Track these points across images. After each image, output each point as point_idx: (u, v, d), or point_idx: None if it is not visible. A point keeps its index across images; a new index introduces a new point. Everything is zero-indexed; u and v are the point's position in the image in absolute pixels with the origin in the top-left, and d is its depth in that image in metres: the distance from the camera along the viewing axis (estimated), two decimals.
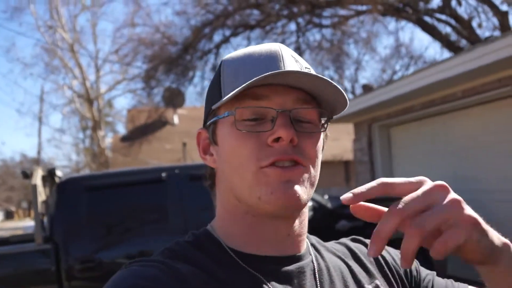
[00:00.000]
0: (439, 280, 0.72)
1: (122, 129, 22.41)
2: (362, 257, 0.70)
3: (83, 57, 25.03)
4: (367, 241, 0.75)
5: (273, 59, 0.61)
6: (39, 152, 21.92)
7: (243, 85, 0.56)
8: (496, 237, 0.52)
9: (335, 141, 14.92)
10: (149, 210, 3.85)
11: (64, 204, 3.68)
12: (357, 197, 0.49)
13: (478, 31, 8.14)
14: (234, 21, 9.61)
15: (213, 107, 0.62)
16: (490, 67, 4.21)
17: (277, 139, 0.58)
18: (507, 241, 0.53)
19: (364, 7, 8.57)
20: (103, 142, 17.62)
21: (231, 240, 0.63)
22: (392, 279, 0.69)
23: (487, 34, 8.50)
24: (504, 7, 7.74)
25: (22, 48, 49.98)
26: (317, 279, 0.63)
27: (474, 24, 8.05)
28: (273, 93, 0.59)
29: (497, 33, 8.00)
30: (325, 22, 9.70)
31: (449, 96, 5.18)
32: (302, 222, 0.64)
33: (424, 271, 0.73)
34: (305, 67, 0.63)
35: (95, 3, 18.33)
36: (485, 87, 4.69)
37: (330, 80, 0.58)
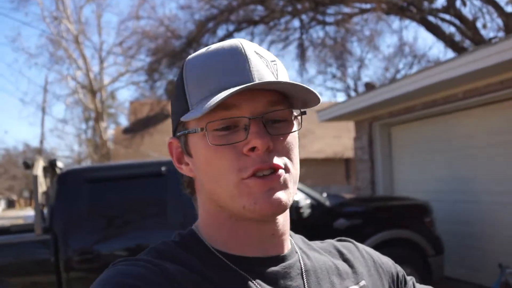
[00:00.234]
0: (419, 286, 0.74)
1: (124, 121, 22.48)
2: (349, 257, 0.70)
3: (88, 49, 25.06)
4: (353, 241, 0.76)
5: (238, 62, 0.59)
6: (41, 142, 21.99)
7: (213, 103, 0.54)
8: None
9: (336, 139, 14.91)
10: (149, 203, 3.86)
11: (64, 195, 3.70)
12: None
13: (483, 32, 8.10)
14: (238, 16, 9.58)
15: (182, 119, 0.59)
16: (493, 69, 4.20)
17: (253, 149, 0.57)
18: None
19: (368, 5, 8.54)
20: (105, 134, 17.65)
21: (216, 242, 0.63)
22: (378, 280, 0.70)
23: (491, 35, 8.46)
24: (509, 8, 7.71)
25: (28, 38, 49.89)
26: (304, 278, 0.63)
27: (479, 24, 8.00)
28: (244, 101, 0.58)
29: (501, 34, 7.96)
30: (329, 19, 9.66)
31: (451, 97, 5.17)
32: (285, 221, 0.64)
33: (407, 277, 0.75)
34: (271, 61, 0.61)
35: None
36: (487, 89, 4.69)
37: (300, 84, 0.57)
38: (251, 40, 10.52)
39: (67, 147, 32.05)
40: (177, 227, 3.41)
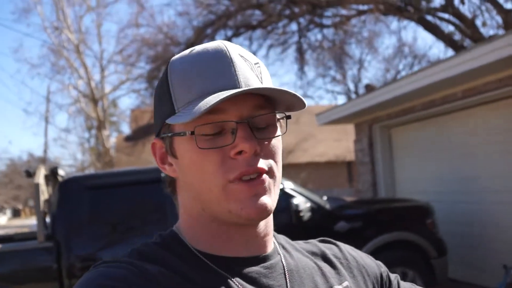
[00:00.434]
0: (404, 284, 0.74)
1: (126, 129, 22.53)
2: (332, 258, 0.71)
3: (88, 58, 25.20)
4: (337, 242, 0.76)
5: (224, 65, 0.60)
6: (45, 151, 22.09)
7: (203, 109, 0.55)
8: None
9: (338, 142, 14.89)
10: (149, 209, 3.88)
11: (66, 202, 3.73)
12: None
13: (482, 30, 8.08)
14: (235, 22, 9.62)
15: (169, 122, 0.60)
16: (491, 67, 4.18)
17: (240, 152, 0.58)
18: None
19: (365, 7, 8.55)
20: (108, 142, 17.71)
21: (197, 242, 0.63)
22: (362, 281, 0.70)
23: (491, 32, 8.44)
24: (508, 5, 7.68)
25: (30, 48, 50.45)
26: (287, 278, 0.63)
27: (478, 22, 7.98)
28: (230, 105, 0.58)
29: (501, 31, 7.94)
30: (327, 22, 9.69)
31: (450, 96, 5.17)
32: (268, 222, 0.65)
33: (392, 275, 0.75)
34: (254, 63, 0.62)
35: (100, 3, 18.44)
36: (486, 87, 4.68)
37: (287, 90, 0.58)
38: (250, 45, 10.54)
39: (71, 156, 32.22)
40: None
